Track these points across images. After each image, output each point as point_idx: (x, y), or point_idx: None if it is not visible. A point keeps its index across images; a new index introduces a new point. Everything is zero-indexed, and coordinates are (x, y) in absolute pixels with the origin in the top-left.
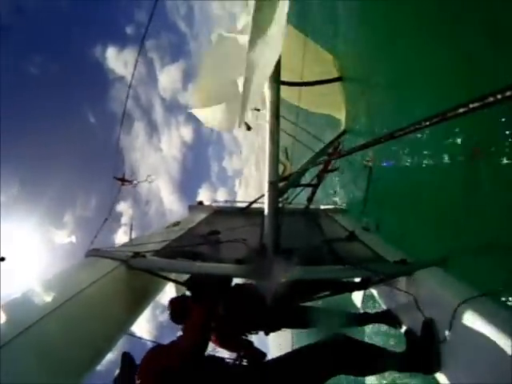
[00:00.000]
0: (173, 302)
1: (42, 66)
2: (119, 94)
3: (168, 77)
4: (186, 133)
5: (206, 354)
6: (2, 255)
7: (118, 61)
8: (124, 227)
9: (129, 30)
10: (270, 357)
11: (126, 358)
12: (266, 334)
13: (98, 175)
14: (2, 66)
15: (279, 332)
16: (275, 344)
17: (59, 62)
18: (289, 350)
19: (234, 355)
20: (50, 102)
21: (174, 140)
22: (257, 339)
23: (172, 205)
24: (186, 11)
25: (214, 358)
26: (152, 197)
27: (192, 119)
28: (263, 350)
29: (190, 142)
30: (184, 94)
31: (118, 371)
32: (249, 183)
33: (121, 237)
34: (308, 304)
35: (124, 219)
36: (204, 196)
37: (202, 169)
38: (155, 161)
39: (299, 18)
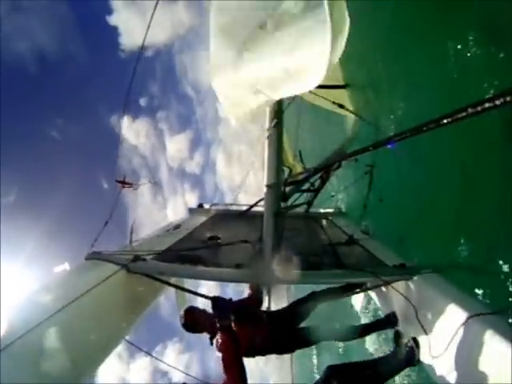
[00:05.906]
0: (187, 313)
1: (63, 131)
2: (131, 164)
3: (176, 145)
4: (191, 199)
5: None
6: None
7: (130, 130)
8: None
9: (142, 101)
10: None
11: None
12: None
13: (109, 237)
14: (28, 126)
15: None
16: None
17: (78, 126)
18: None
19: None
20: (70, 168)
21: (178, 207)
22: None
23: None
24: (193, 75)
25: None
26: None
27: (197, 187)
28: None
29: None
30: (190, 163)
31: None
32: None
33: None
34: (310, 324)
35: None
36: None
37: None
38: (160, 219)
39: None
